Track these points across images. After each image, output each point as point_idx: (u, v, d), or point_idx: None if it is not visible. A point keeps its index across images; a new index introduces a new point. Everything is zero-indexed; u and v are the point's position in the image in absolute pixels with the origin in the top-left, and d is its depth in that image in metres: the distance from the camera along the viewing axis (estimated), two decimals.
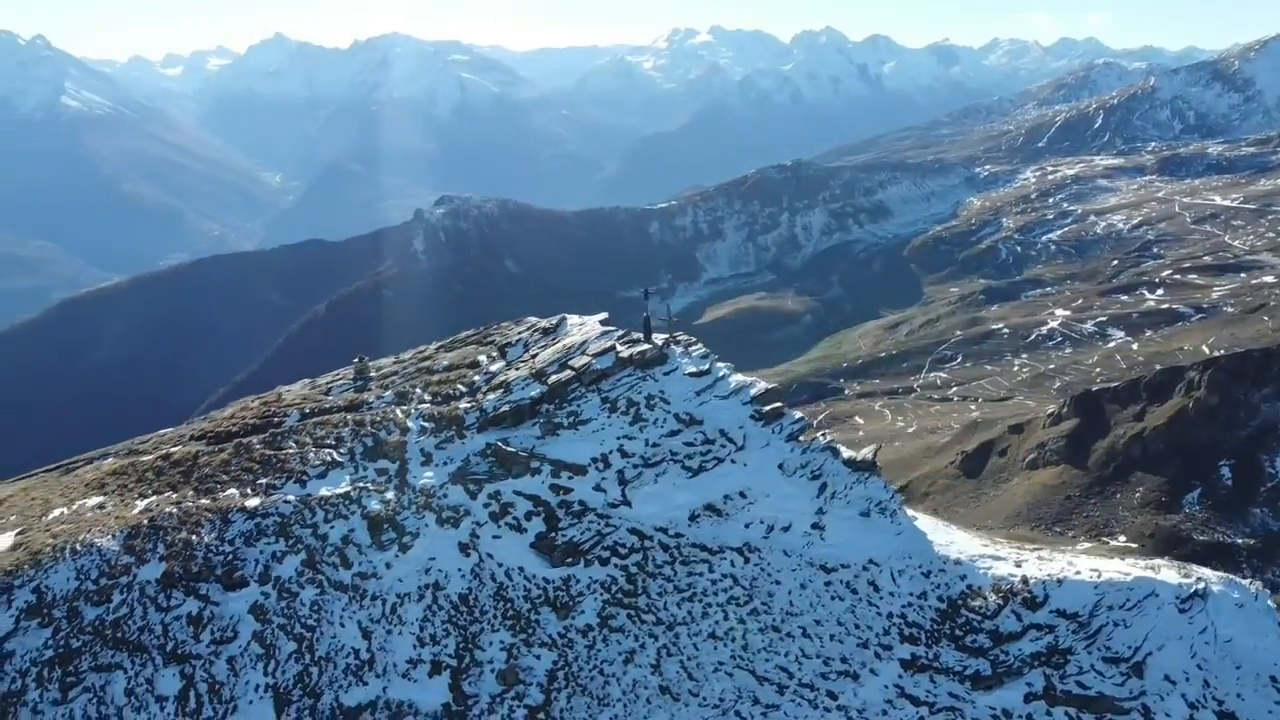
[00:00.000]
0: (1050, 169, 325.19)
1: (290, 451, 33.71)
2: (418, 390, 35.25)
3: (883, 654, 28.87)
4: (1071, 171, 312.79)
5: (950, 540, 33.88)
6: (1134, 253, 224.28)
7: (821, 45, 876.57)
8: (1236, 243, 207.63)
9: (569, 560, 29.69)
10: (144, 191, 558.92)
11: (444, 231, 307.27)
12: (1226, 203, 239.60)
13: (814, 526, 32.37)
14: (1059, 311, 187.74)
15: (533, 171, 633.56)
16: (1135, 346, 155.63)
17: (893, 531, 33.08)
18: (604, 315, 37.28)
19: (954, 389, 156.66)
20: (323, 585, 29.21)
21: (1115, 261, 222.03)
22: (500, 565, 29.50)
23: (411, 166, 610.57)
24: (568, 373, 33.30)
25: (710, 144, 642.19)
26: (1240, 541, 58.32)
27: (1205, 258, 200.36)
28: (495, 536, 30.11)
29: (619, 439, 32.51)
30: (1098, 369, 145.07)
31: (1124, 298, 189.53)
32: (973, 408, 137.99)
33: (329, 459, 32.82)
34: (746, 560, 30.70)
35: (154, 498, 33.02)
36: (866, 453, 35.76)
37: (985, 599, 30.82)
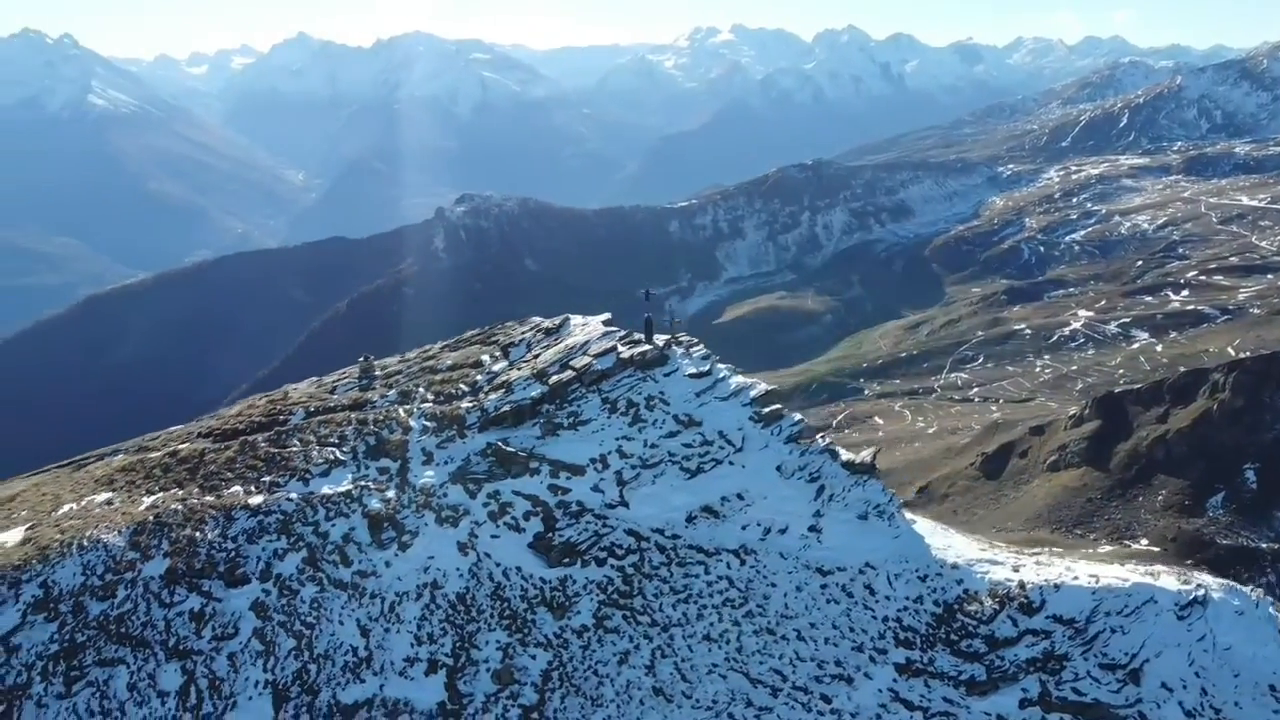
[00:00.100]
0: (1074, 168, 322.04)
1: (294, 449, 34.01)
2: (421, 389, 35.47)
3: (877, 658, 28.74)
4: (1096, 171, 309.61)
5: (948, 544, 33.68)
6: (1159, 253, 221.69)
7: (843, 44, 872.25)
8: (1264, 243, 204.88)
9: (566, 561, 29.78)
10: (169, 189, 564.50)
11: (464, 229, 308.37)
12: (1254, 203, 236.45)
13: (811, 529, 32.27)
14: (1082, 312, 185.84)
15: (553, 170, 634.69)
16: (1159, 348, 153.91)
17: (890, 535, 32.92)
18: (607, 315, 37.32)
19: (975, 390, 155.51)
20: (323, 583, 29.45)
21: (1140, 262, 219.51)
22: (498, 565, 29.63)
23: (433, 165, 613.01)
24: (569, 373, 33.39)
25: (731, 143, 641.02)
26: (1265, 545, 57.46)
27: (1231, 258, 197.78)
28: (494, 536, 30.24)
29: (618, 440, 32.55)
30: (1121, 370, 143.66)
31: (1148, 299, 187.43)
32: (994, 409, 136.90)
33: (332, 457, 33.09)
34: (743, 562, 30.66)
35: (160, 494, 33.41)
36: (865, 455, 35.60)
37: (981, 603, 30.61)
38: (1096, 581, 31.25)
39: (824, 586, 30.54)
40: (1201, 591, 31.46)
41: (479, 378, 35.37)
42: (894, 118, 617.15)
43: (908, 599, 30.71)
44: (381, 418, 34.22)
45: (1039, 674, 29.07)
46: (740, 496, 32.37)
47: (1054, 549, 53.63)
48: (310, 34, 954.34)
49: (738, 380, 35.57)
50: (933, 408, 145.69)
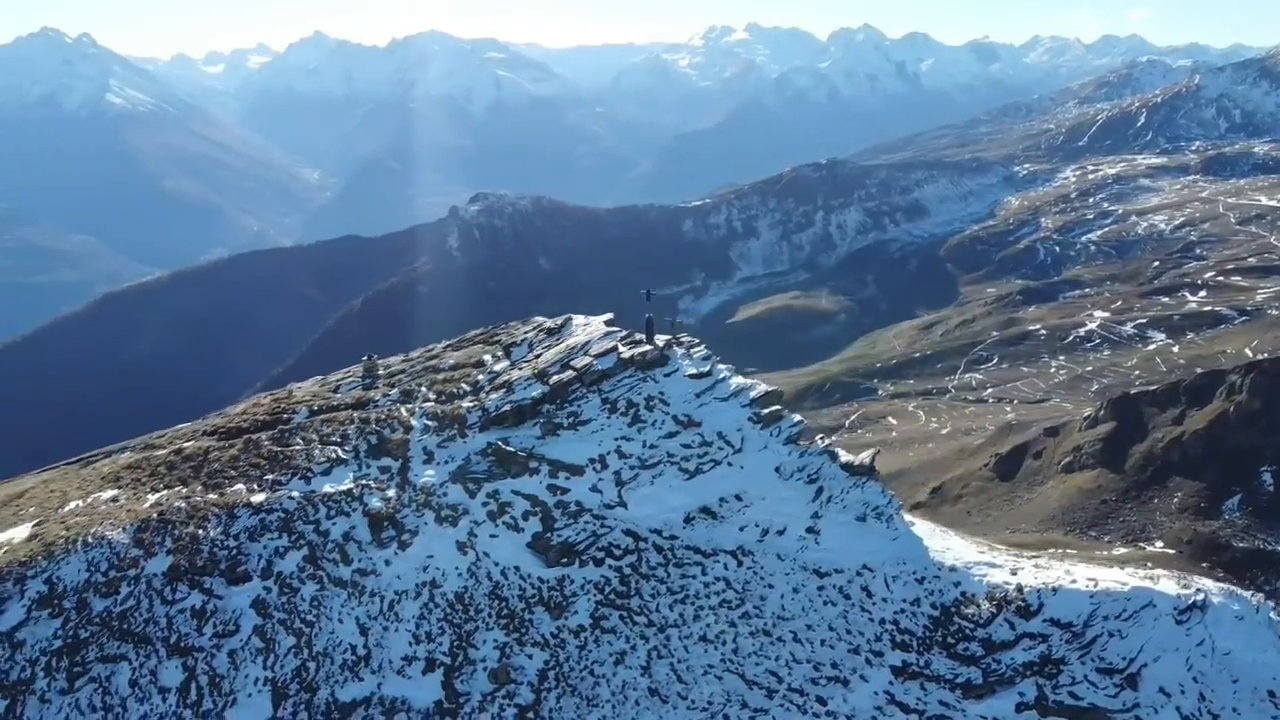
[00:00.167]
0: (1091, 168, 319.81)
1: (297, 448, 34.21)
2: (423, 389, 35.61)
3: (874, 660, 28.67)
4: (1113, 171, 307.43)
5: (946, 547, 33.54)
6: (1176, 254, 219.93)
7: (859, 43, 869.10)
8: None
9: (564, 560, 29.84)
10: (185, 188, 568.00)
11: (478, 228, 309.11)
12: (1273, 203, 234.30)
13: (809, 530, 32.22)
14: (1098, 313, 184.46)
15: (567, 169, 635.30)
16: (1176, 349, 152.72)
17: (888, 537, 32.81)
18: (609, 316, 37.36)
19: (989, 390, 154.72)
20: (323, 581, 29.62)
21: (1156, 263, 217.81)
22: (496, 564, 29.73)
23: (447, 163, 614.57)
24: (569, 373, 33.45)
25: (745, 142, 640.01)
26: None
27: (1250, 259, 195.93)
28: (493, 536, 30.33)
29: (617, 440, 32.59)
30: (1137, 372, 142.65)
31: (1165, 299, 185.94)
32: (1008, 409, 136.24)
33: (334, 456, 33.27)
34: (740, 563, 30.65)
35: (165, 492, 33.68)
36: (864, 457, 35.50)
37: (979, 606, 30.48)
38: (1095, 585, 31.06)
39: (821, 588, 30.48)
40: (1201, 596, 31.21)
41: (480, 377, 35.48)
42: (909, 117, 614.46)
43: (905, 601, 30.61)
44: (383, 417, 34.38)
45: (1036, 678, 28.92)
46: (738, 497, 32.35)
47: (1067, 550, 53.47)
48: (326, 33, 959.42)
49: (738, 381, 35.53)
50: (947, 408, 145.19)
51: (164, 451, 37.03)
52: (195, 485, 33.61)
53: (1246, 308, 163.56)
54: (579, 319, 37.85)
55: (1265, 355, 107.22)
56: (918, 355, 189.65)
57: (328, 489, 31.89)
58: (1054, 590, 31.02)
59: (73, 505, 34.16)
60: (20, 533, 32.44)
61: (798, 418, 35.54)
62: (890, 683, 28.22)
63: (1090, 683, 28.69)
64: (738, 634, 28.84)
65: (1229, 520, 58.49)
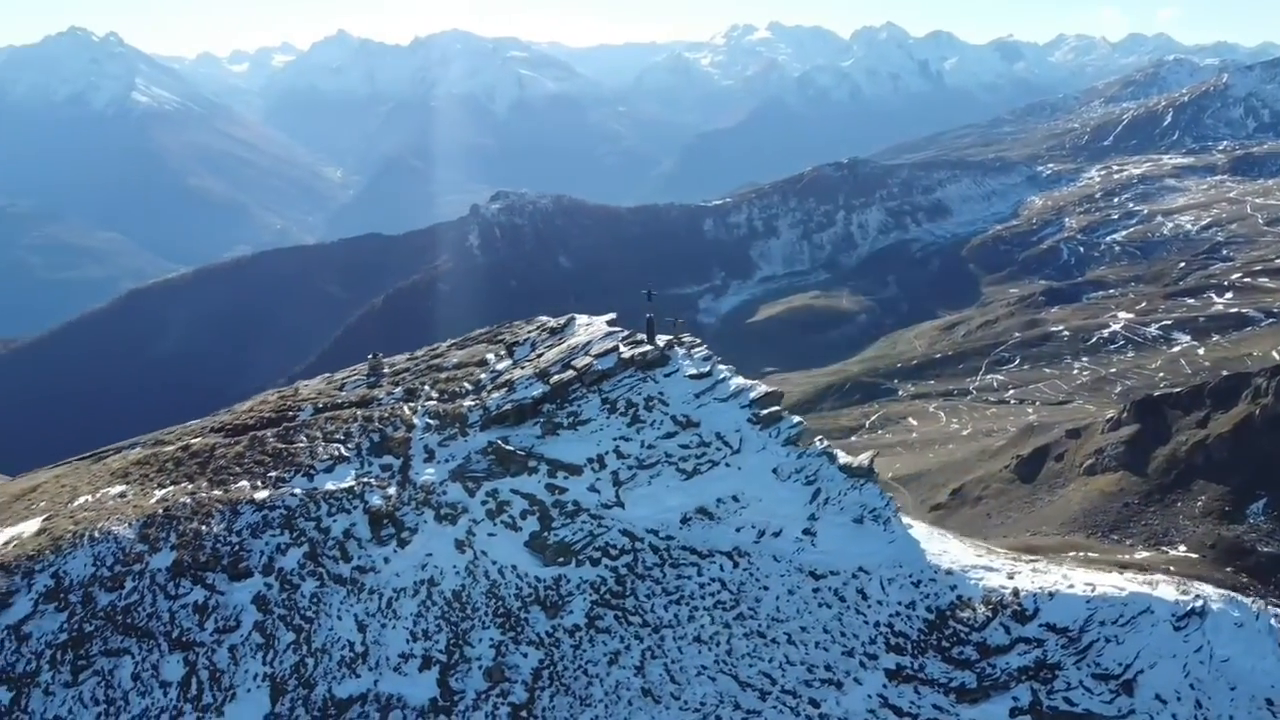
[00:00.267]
0: (1116, 168, 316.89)
1: (301, 445, 34.53)
2: (426, 387, 35.85)
3: (868, 663, 28.57)
4: (1138, 171, 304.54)
5: (944, 549, 33.37)
6: (1202, 254, 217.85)
7: (882, 41, 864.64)
8: None
9: (561, 560, 29.96)
10: (210, 185, 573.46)
11: (499, 227, 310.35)
12: None
13: (805, 532, 32.17)
14: (1122, 314, 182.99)
15: (589, 168, 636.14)
16: (1201, 351, 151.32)
17: (885, 539, 32.69)
18: (611, 315, 37.45)
19: (1011, 392, 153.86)
20: (323, 578, 29.88)
21: (1182, 263, 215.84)
22: (494, 563, 29.88)
23: (469, 162, 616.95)
24: (570, 373, 33.57)
25: (767, 141, 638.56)
26: None
27: (1277, 260, 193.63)
28: (491, 534, 30.49)
29: (615, 440, 32.68)
30: (1161, 374, 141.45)
31: (1190, 301, 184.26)
32: (1030, 411, 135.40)
33: (337, 453, 33.54)
34: (736, 564, 30.65)
35: (171, 488, 34.09)
36: (863, 459, 35.38)
37: (974, 610, 30.30)
38: (1092, 590, 30.81)
39: (816, 590, 30.42)
40: (1200, 602, 30.88)
41: (483, 376, 35.67)
42: (932, 116, 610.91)
43: (900, 604, 30.49)
44: (386, 415, 34.64)
45: (1030, 683, 28.71)
46: (735, 498, 32.36)
47: (1088, 554, 53.06)
48: (350, 32, 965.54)
49: (737, 381, 35.52)
50: (968, 409, 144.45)
51: (172, 448, 37.47)
52: (201, 481, 33.99)
53: (1273, 309, 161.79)
54: (582, 319, 37.98)
55: None
56: (939, 356, 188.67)
57: (330, 486, 32.17)
58: (1050, 595, 30.79)
59: (82, 500, 34.66)
60: (30, 527, 32.97)
61: (797, 419, 35.50)
62: (884, 686, 28.12)
63: (1085, 689, 28.45)
64: (732, 635, 28.83)
65: (1254, 525, 57.82)
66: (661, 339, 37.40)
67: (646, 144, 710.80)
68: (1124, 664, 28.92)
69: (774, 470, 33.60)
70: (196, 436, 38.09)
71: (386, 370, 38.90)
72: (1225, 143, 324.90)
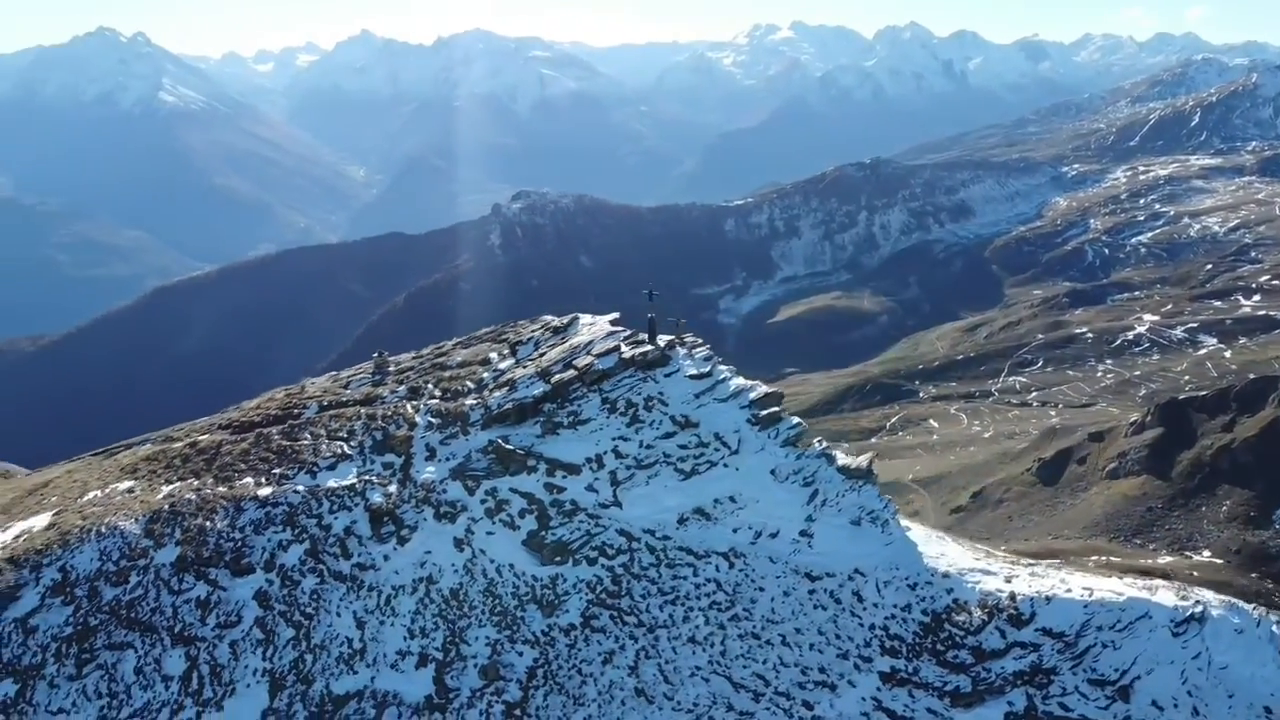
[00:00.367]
0: (1142, 169, 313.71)
1: (305, 443, 34.78)
2: (429, 386, 36.03)
3: (862, 666, 28.44)
4: (1165, 172, 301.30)
5: (941, 552, 33.16)
6: (1229, 256, 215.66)
7: (905, 41, 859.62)
8: None
9: (558, 559, 30.02)
10: (235, 185, 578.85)
11: (520, 226, 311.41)
12: None
13: (802, 533, 32.08)
14: (1147, 316, 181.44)
15: (611, 167, 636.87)
16: (1228, 354, 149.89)
17: (882, 541, 32.53)
18: (615, 315, 37.48)
19: (1033, 394, 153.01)
20: (323, 575, 30.09)
21: (1209, 265, 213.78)
22: (492, 561, 30.00)
23: (491, 161, 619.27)
24: (571, 372, 33.62)
25: (789, 141, 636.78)
26: None
27: None
28: (489, 533, 30.60)
29: (614, 440, 32.71)
30: (1187, 377, 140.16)
31: (1217, 303, 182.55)
32: (1052, 414, 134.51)
33: (339, 451, 33.76)
34: (731, 565, 30.60)
35: (178, 484, 34.43)
36: (862, 460, 35.23)
37: (970, 614, 30.08)
38: (1090, 595, 30.51)
39: (812, 592, 30.33)
40: (1199, 609, 30.50)
41: (485, 375, 35.81)
42: (956, 116, 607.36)
43: (896, 607, 30.33)
44: (389, 413, 34.84)
45: (1026, 687, 28.48)
46: (733, 499, 32.31)
47: (1110, 558, 52.62)
48: (373, 32, 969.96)
49: (738, 382, 35.45)
50: (989, 411, 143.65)
51: (180, 444, 37.85)
52: (207, 478, 34.31)
53: None
54: (585, 318, 38.04)
55: None
56: (961, 357, 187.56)
57: (332, 484, 32.38)
58: (1047, 599, 30.52)
59: (91, 495, 35.07)
60: (40, 521, 33.42)
61: (796, 420, 35.40)
62: (878, 689, 27.98)
63: (1081, 694, 28.18)
64: (726, 636, 28.79)
65: (1279, 530, 57.24)
66: (665, 339, 37.38)
67: (668, 144, 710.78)
68: (1121, 670, 28.64)
69: (772, 471, 33.53)
70: (204, 433, 38.46)
71: (392, 369, 39.13)
72: (1254, 143, 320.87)
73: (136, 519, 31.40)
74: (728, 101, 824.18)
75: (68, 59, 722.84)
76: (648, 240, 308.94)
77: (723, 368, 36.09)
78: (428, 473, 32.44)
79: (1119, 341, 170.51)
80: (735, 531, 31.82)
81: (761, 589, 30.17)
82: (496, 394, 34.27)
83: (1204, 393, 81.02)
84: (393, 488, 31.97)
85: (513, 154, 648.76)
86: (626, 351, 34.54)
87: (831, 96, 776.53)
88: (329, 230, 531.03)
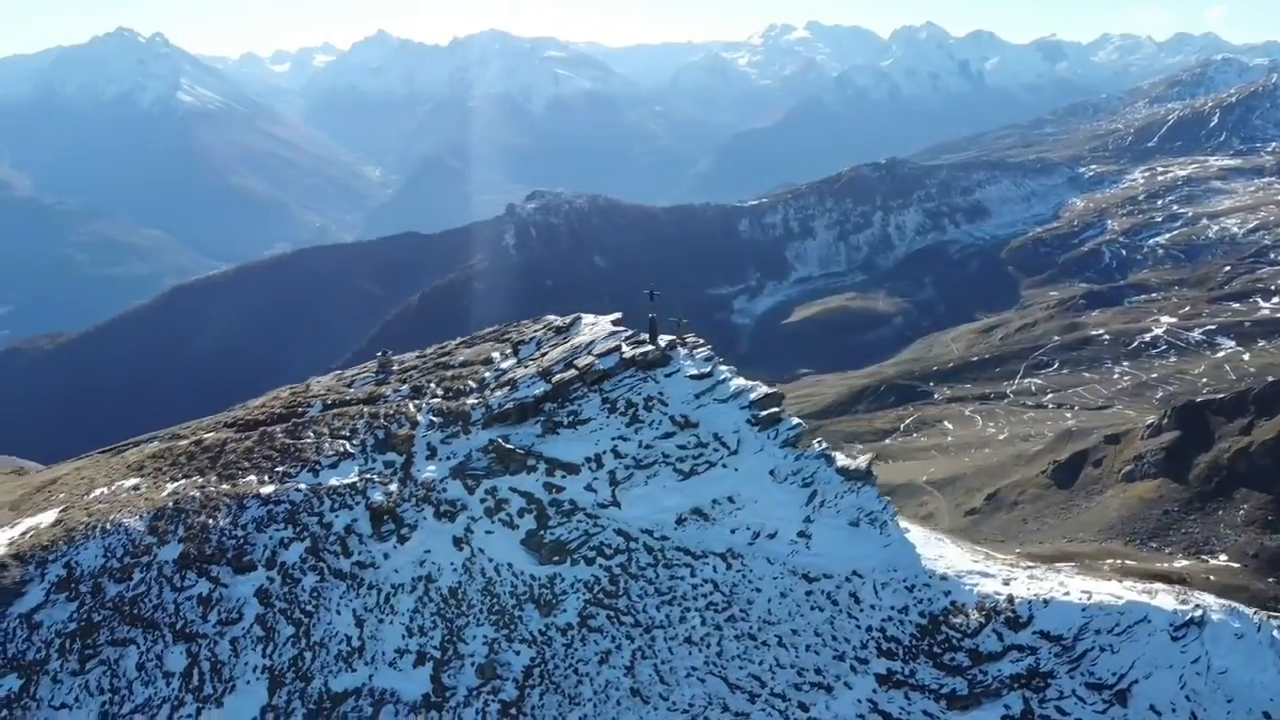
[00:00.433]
0: (1160, 170, 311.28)
1: (308, 441, 34.97)
2: (432, 385, 36.17)
3: (858, 667, 28.34)
4: (1183, 173, 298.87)
5: (940, 554, 33.01)
6: (1249, 258, 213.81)
7: (921, 41, 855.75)
8: None
9: (556, 559, 30.06)
10: (251, 184, 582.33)
11: (534, 226, 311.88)
12: None
13: (800, 534, 32.00)
14: (1164, 318, 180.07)
15: (625, 167, 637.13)
16: (1246, 357, 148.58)
17: (880, 543, 32.40)
18: (617, 315, 37.50)
19: (1049, 396, 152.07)
20: (323, 573, 30.24)
21: (1228, 267, 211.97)
22: (491, 560, 30.07)
23: (506, 161, 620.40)
24: (571, 372, 33.66)
25: (804, 141, 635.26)
26: None
27: None
28: (488, 532, 30.68)
29: (614, 439, 32.72)
30: (1204, 379, 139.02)
31: (1236, 305, 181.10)
32: (1068, 416, 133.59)
33: (342, 450, 33.92)
34: (729, 566, 30.57)
35: (183, 481, 34.70)
36: (861, 462, 35.11)
37: (967, 616, 29.93)
38: (1088, 598, 30.30)
39: (809, 593, 30.25)
40: (1199, 613, 30.22)
41: (487, 374, 35.91)
42: (972, 116, 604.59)
43: (893, 609, 30.22)
44: (392, 412, 35.00)
45: (1022, 691, 28.30)
46: (731, 500, 32.27)
47: (1126, 561, 52.27)
48: (389, 32, 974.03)
49: (738, 382, 35.39)
50: (1004, 413, 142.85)
51: (186, 442, 38.12)
52: (211, 475, 34.54)
53: None
54: (588, 318, 38.09)
55: None
56: (976, 359, 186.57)
57: (334, 482, 32.55)
58: (1045, 602, 30.32)
59: (98, 492, 35.38)
60: (47, 517, 33.75)
61: (796, 420, 35.30)
62: (874, 691, 27.86)
63: (1078, 698, 27.98)
64: (723, 637, 28.76)
65: None
66: (667, 339, 37.37)
67: (683, 144, 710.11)
68: (1118, 674, 28.43)
69: (771, 472, 33.47)
70: (210, 431, 38.72)
71: (395, 368, 39.32)
72: (1274, 144, 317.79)
73: (141, 516, 31.65)
74: (742, 101, 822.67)
75: (87, 59, 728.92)
76: (662, 240, 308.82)
77: (723, 368, 36.07)
78: (428, 471, 32.56)
79: (1136, 343, 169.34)
80: (733, 532, 31.78)
81: (758, 590, 30.12)
82: (498, 393, 34.36)
83: (1222, 395, 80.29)
84: (393, 486, 32.10)
85: (527, 154, 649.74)
86: (627, 351, 34.56)
87: (847, 96, 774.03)
88: (344, 230, 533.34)
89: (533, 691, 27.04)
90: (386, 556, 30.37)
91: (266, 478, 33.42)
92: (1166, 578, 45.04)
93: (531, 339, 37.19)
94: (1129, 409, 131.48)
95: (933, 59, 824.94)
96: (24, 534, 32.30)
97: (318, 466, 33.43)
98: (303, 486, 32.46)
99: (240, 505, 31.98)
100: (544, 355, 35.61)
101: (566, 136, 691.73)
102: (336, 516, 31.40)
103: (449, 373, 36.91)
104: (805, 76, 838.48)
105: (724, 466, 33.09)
